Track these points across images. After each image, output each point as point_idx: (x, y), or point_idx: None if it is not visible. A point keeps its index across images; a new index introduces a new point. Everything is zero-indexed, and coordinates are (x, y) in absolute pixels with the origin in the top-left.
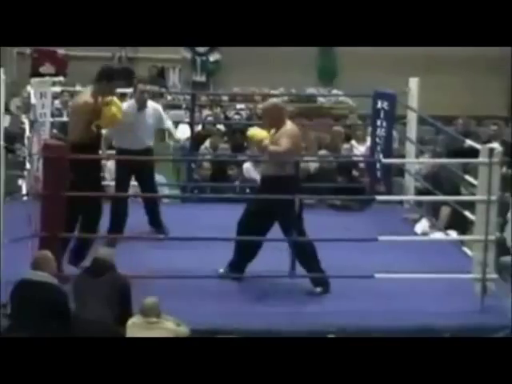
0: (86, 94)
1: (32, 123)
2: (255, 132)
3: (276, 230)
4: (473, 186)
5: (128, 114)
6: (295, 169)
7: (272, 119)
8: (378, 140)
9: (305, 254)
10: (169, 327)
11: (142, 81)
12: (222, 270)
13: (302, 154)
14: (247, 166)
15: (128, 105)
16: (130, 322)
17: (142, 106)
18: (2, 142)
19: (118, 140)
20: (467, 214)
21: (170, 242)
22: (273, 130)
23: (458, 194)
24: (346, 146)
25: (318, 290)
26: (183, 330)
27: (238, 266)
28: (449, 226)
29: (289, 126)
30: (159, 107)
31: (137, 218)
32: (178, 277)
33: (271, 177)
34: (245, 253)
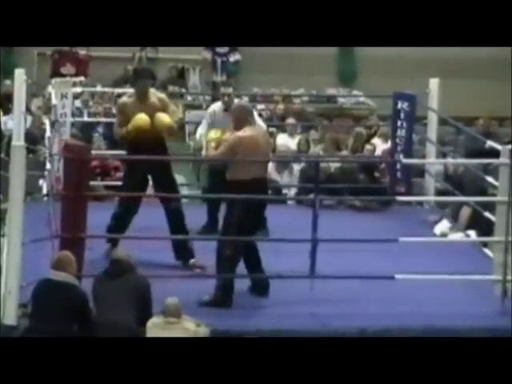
0: (129, 96)
1: (53, 123)
2: (211, 135)
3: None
4: (493, 187)
5: (216, 116)
6: (255, 173)
7: (236, 121)
8: (398, 141)
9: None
10: (188, 328)
11: (167, 81)
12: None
13: (258, 157)
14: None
15: (215, 107)
16: (150, 322)
17: (227, 107)
18: (23, 143)
19: None
20: (488, 215)
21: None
22: (228, 134)
23: (483, 195)
24: (368, 147)
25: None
26: (203, 331)
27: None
28: (469, 227)
29: (246, 130)
30: None
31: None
32: (195, 276)
33: (229, 181)
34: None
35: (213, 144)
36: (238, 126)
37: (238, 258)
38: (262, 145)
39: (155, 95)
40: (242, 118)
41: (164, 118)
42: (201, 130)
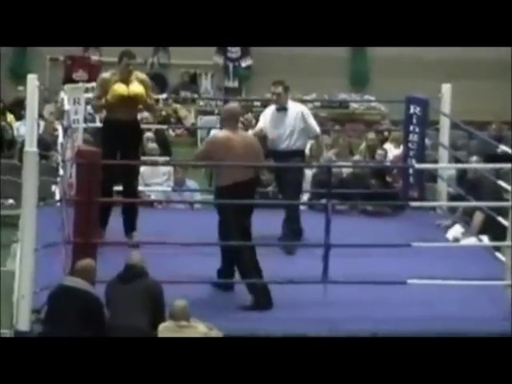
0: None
1: (65, 129)
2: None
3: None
4: (506, 191)
5: (270, 115)
6: (240, 178)
7: (224, 122)
8: (410, 145)
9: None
10: (201, 331)
11: (179, 87)
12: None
13: (236, 160)
14: None
15: (268, 109)
16: (162, 326)
17: (279, 106)
18: (36, 149)
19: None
20: (500, 219)
21: (201, 247)
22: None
23: (497, 200)
24: (380, 151)
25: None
26: (215, 334)
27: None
28: (482, 231)
29: (224, 133)
30: (302, 109)
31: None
32: (210, 282)
33: (215, 188)
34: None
35: (110, 99)
36: (223, 127)
37: (253, 259)
38: (237, 148)
39: (137, 75)
40: (228, 121)
41: (138, 87)
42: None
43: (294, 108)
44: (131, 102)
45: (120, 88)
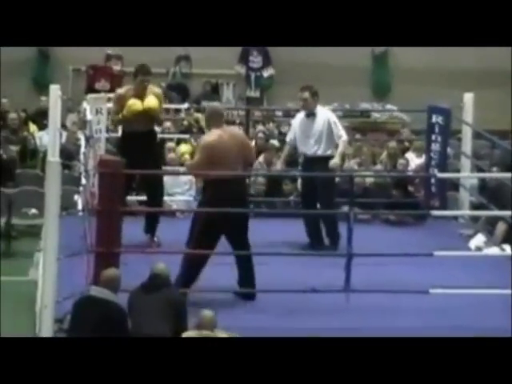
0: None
1: (88, 139)
2: (182, 149)
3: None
4: None
5: (299, 121)
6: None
7: (208, 124)
8: (432, 155)
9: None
10: None
11: (200, 96)
12: None
13: (227, 162)
14: None
15: (299, 115)
16: (184, 335)
17: (307, 112)
18: (59, 158)
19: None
20: None
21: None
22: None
23: None
24: (401, 161)
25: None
26: None
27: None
28: (505, 241)
29: (213, 132)
30: (329, 116)
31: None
32: (233, 291)
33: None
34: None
35: (187, 156)
36: (208, 127)
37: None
38: (230, 144)
39: (152, 89)
40: (212, 122)
41: (152, 101)
42: (288, 147)
43: (322, 114)
44: (146, 115)
45: (135, 104)
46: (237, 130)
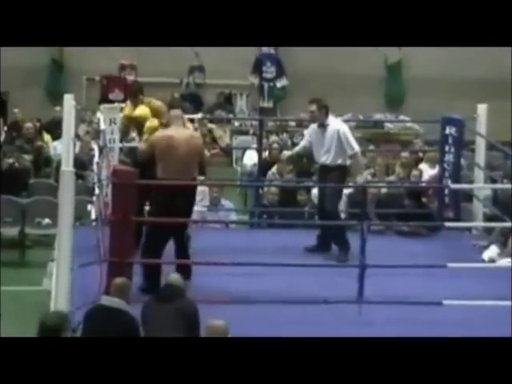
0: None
1: (101, 149)
2: (149, 124)
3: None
4: None
5: (312, 131)
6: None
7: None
8: (446, 166)
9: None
10: None
11: (214, 107)
12: None
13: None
14: (316, 191)
15: (311, 126)
16: None
17: (318, 123)
18: (72, 168)
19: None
20: None
21: (237, 267)
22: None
23: None
24: (415, 172)
25: None
26: None
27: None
28: None
29: (168, 130)
30: (339, 128)
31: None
32: (249, 302)
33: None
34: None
35: (146, 136)
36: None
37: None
38: (179, 144)
39: (150, 102)
40: (173, 120)
41: (142, 110)
42: (298, 147)
43: (333, 125)
44: (136, 122)
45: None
46: (194, 134)
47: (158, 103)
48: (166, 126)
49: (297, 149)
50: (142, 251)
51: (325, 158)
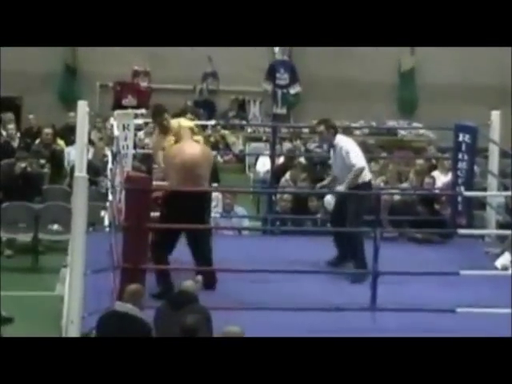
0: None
1: (115, 155)
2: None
3: None
4: None
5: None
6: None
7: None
8: (459, 173)
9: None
10: None
11: (227, 113)
12: None
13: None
14: (329, 198)
15: None
16: None
17: (330, 144)
18: (86, 174)
19: None
20: None
21: (250, 273)
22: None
23: None
24: (428, 179)
25: None
26: None
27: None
28: None
29: (176, 146)
30: (342, 145)
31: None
32: (262, 308)
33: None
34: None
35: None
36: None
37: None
38: (191, 158)
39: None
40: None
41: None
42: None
43: (339, 144)
44: None
45: None
46: (203, 147)
47: (175, 124)
48: (176, 141)
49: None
50: (152, 258)
51: (338, 176)
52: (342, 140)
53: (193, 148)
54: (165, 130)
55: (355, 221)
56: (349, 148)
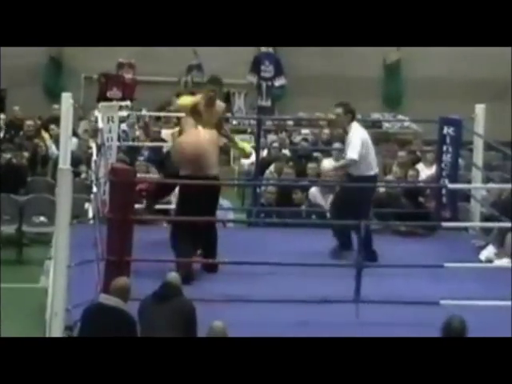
0: None
1: (99, 147)
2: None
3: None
4: None
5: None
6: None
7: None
8: (443, 166)
9: None
10: None
11: None
12: None
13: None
14: (313, 191)
15: None
16: None
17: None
18: (70, 166)
19: None
20: None
21: (234, 266)
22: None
23: None
24: (412, 172)
25: None
26: None
27: None
28: None
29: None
30: (351, 135)
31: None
32: (246, 301)
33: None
34: None
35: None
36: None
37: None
38: (189, 147)
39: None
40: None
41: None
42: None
43: (350, 132)
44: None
45: None
46: (209, 133)
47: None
48: (180, 132)
49: None
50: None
51: (351, 167)
52: (354, 128)
53: (198, 136)
54: (211, 103)
55: (352, 212)
56: (353, 138)
